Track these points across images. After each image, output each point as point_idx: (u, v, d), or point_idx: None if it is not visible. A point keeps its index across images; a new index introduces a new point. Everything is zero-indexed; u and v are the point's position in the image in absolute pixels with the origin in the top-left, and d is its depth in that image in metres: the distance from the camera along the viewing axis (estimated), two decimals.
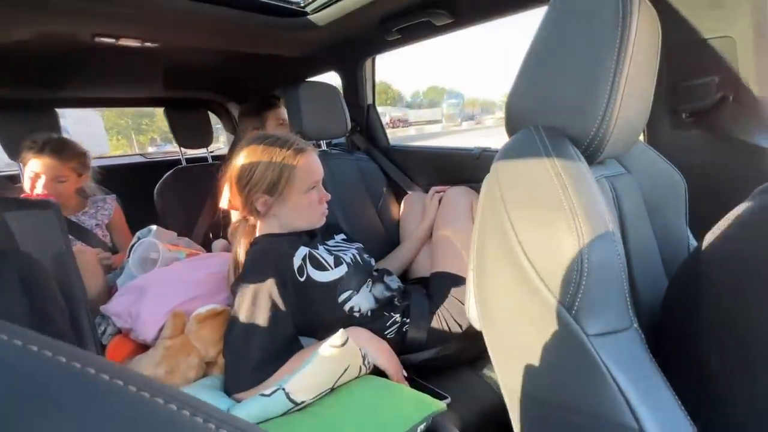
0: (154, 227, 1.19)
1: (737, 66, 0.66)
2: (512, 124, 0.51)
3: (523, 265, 0.39)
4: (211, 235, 1.63)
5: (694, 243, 0.64)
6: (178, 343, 0.75)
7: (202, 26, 1.09)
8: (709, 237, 0.43)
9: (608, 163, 0.60)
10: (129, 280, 0.94)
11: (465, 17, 1.03)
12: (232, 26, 1.11)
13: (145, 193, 1.65)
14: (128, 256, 1.05)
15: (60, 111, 1.52)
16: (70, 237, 1.16)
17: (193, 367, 0.74)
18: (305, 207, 0.87)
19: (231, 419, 0.13)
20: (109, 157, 2.35)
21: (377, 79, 1.54)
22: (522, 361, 0.40)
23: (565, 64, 0.45)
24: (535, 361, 0.39)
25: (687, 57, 0.71)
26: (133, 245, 1.07)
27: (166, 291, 0.84)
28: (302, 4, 1.08)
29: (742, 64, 0.66)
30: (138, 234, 1.16)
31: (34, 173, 1.13)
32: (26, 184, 1.15)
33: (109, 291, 1.00)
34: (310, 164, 0.86)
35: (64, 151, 1.17)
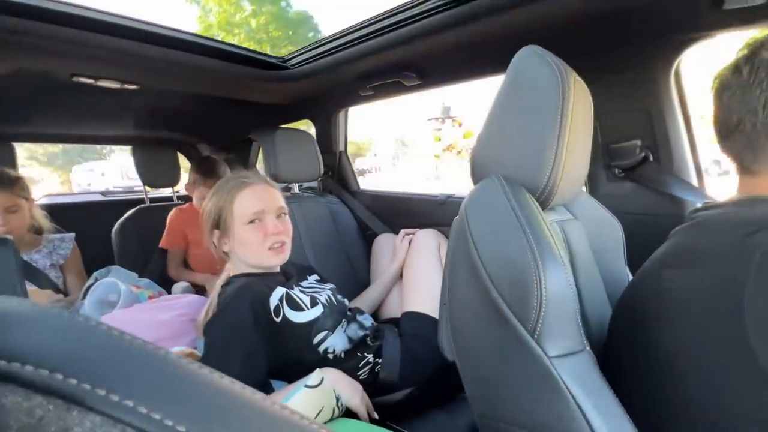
0: (113, 267, 1.14)
1: (653, 132, 0.81)
2: (477, 173, 0.59)
3: (492, 296, 0.44)
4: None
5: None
6: None
7: (184, 72, 1.14)
8: (638, 273, 0.51)
9: (558, 210, 0.68)
10: None
11: (431, 80, 1.16)
12: (213, 74, 1.16)
13: (103, 233, 1.57)
14: (83, 298, 0.99)
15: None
16: None
17: None
18: (250, 240, 0.85)
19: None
20: (67, 194, 2.22)
21: None
22: (492, 385, 0.44)
23: (518, 127, 0.54)
24: (504, 383, 0.42)
25: (615, 123, 0.86)
26: (89, 287, 1.01)
27: None
28: (284, 59, 1.17)
29: (656, 131, 0.81)
30: (95, 275, 1.10)
31: None
32: None
33: None
34: (250, 196, 0.86)
35: (5, 179, 1.12)
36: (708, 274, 0.39)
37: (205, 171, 1.52)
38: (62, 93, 1.24)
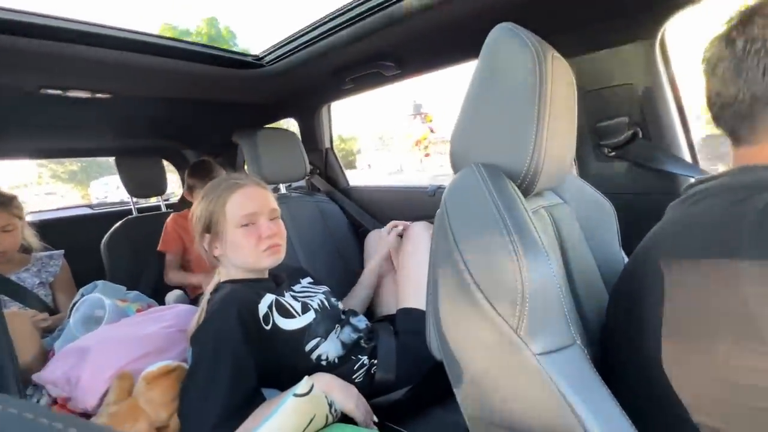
0: (99, 283, 1.11)
1: (641, 107, 0.78)
2: (456, 162, 0.56)
3: (472, 291, 0.41)
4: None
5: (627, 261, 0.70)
6: (125, 409, 0.68)
7: (156, 77, 1.10)
8: (633, 255, 0.49)
9: (546, 195, 0.65)
10: (69, 342, 0.86)
11: (409, 69, 1.12)
12: (186, 77, 1.12)
13: (92, 248, 1.55)
14: (69, 316, 0.96)
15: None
16: (5, 298, 1.06)
17: None
18: (243, 244, 0.82)
19: None
20: (53, 210, 2.18)
21: None
22: (478, 385, 0.41)
23: (495, 111, 0.51)
24: (490, 384, 0.40)
25: (600, 100, 0.83)
26: (75, 303, 0.99)
27: (111, 350, 0.77)
28: (259, 57, 1.13)
29: (644, 106, 0.77)
30: (81, 291, 1.08)
31: None
32: None
33: (46, 356, 0.90)
34: (242, 198, 0.84)
35: (2, 198, 1.12)
36: (699, 241, 0.38)
37: (202, 175, 1.49)
38: (33, 106, 1.20)
